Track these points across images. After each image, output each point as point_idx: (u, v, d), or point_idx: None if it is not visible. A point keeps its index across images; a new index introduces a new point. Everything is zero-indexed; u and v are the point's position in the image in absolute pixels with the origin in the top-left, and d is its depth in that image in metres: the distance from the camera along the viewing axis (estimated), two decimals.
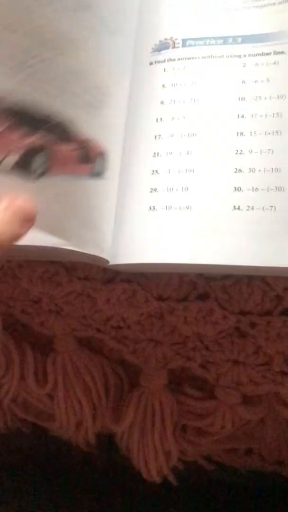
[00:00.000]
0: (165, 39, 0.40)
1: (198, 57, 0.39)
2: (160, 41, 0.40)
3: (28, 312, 0.41)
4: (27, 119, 0.35)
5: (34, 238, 0.33)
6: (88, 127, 0.37)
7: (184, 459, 0.45)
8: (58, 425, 0.45)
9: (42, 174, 0.35)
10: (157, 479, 0.45)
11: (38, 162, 0.35)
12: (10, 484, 0.54)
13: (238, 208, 0.35)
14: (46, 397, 0.44)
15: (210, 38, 0.39)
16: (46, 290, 0.39)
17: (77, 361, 0.42)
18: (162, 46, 0.40)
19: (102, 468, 0.51)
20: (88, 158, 0.36)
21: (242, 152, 0.36)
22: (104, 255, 0.36)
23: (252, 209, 0.35)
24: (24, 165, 0.34)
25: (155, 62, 0.40)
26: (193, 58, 0.39)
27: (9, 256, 0.39)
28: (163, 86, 0.39)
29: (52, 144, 0.35)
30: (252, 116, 0.37)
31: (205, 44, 0.39)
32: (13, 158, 0.34)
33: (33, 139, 0.35)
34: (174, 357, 0.41)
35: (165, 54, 0.40)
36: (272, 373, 0.39)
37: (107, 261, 0.35)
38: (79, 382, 0.42)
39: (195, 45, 0.40)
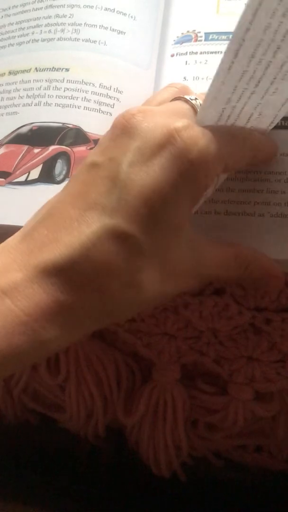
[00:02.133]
0: (188, 31, 0.40)
1: (221, 52, 0.39)
2: (183, 33, 0.40)
3: None
4: (40, 139, 0.39)
5: None
6: (102, 125, 0.38)
7: (193, 454, 0.45)
8: (68, 417, 0.45)
9: (66, 175, 0.37)
10: (166, 473, 0.45)
11: (59, 167, 0.38)
12: (15, 475, 0.54)
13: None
14: (57, 388, 0.44)
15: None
16: None
17: (90, 352, 0.42)
18: (185, 38, 0.40)
19: (109, 462, 0.51)
20: None
21: None
22: None
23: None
24: (47, 174, 0.38)
25: (177, 54, 0.40)
26: (216, 52, 0.39)
27: None
28: (185, 78, 0.39)
29: (68, 148, 0.38)
30: None
31: (228, 39, 0.39)
32: (36, 172, 0.38)
33: (49, 151, 0.38)
34: (187, 351, 0.41)
35: (187, 46, 0.40)
36: (287, 370, 0.39)
37: None
38: (91, 374, 0.42)
39: (217, 39, 0.39)
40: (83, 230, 0.28)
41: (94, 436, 0.47)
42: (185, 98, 0.32)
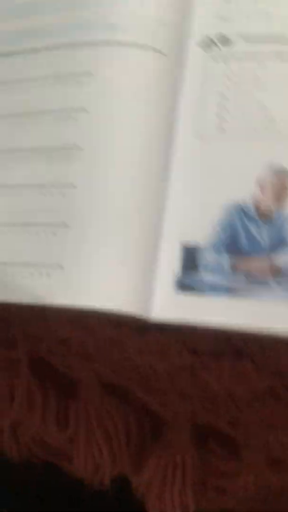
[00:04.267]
0: None
1: None
2: None
3: (54, 353, 0.40)
4: None
5: None
6: None
7: None
8: (75, 468, 0.44)
9: None
10: None
11: None
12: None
13: None
14: (66, 439, 0.43)
15: None
16: (74, 334, 0.38)
17: (101, 408, 0.41)
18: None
19: (114, 506, 0.50)
20: None
21: None
22: None
23: None
24: None
25: None
26: None
27: None
28: None
29: None
30: None
31: None
32: None
33: None
34: (202, 412, 0.40)
35: None
36: None
37: None
38: (101, 430, 0.41)
39: None
40: None
41: (99, 485, 0.46)
42: None
